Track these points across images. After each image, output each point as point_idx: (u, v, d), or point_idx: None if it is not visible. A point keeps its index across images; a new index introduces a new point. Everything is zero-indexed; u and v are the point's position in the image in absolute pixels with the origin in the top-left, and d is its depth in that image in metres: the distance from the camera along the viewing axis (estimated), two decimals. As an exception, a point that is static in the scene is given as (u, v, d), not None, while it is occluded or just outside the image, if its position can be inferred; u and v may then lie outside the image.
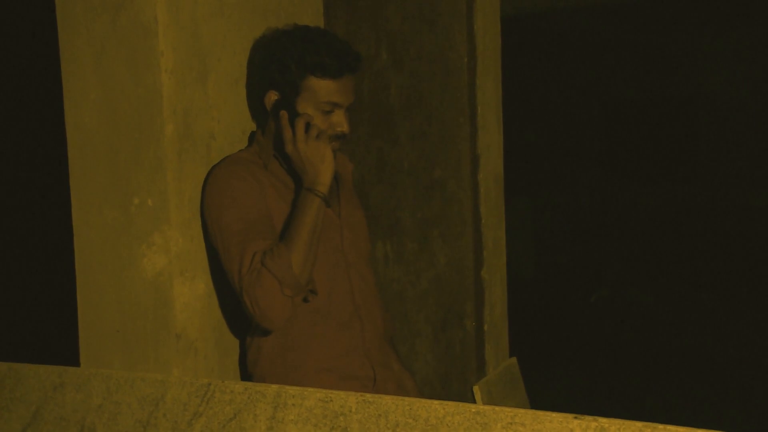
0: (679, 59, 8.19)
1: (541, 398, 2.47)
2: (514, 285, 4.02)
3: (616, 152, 8.76)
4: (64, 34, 1.77)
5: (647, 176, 8.54)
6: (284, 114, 1.69)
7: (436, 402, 1.19)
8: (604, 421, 1.07)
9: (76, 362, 1.80)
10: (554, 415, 1.12)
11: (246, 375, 1.79)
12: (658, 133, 8.50)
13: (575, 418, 1.10)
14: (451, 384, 2.18)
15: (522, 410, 1.15)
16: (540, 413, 1.13)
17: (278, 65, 1.68)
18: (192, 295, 1.73)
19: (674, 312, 6.31)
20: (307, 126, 1.67)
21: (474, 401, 2.09)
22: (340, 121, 1.69)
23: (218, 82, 1.81)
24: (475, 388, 2.11)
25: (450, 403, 1.18)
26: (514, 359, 2.35)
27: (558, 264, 8.20)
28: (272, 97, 1.71)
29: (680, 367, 4.89)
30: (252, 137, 1.87)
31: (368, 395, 1.23)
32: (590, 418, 1.09)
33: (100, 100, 1.72)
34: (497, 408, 1.16)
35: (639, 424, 1.05)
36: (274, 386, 1.31)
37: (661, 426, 1.03)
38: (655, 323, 6.02)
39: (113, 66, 1.70)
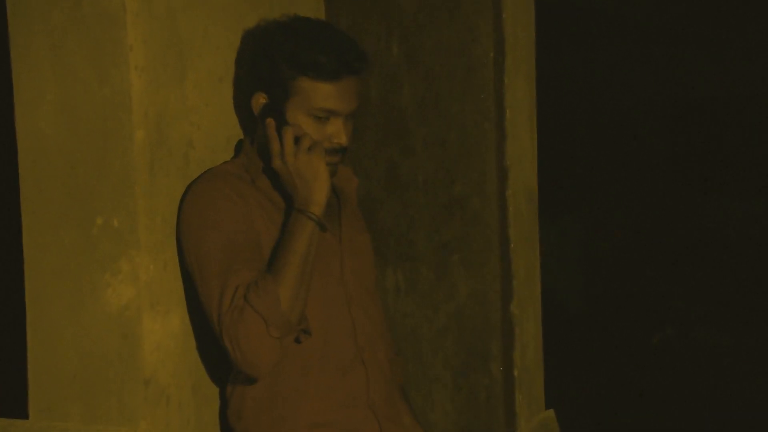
0: (760, 48, 8.17)
1: (585, 460, 2.48)
2: (555, 321, 4.01)
3: (683, 160, 8.73)
4: (15, 23, 1.80)
5: (722, 189, 8.50)
6: (271, 122, 1.72)
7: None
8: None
9: (24, 414, 1.83)
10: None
11: (227, 430, 1.83)
12: (735, 136, 8.47)
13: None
14: (475, 441, 2.21)
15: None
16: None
17: (268, 62, 1.72)
18: (164, 332, 1.76)
19: (758, 357, 6.25)
20: (298, 137, 1.70)
21: (502, 462, 2.12)
22: (336, 131, 1.71)
23: (198, 81, 1.85)
24: (503, 447, 2.14)
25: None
26: (551, 412, 2.37)
27: (611, 296, 8.16)
28: (260, 99, 1.74)
29: (763, 424, 4.85)
30: (239, 146, 1.91)
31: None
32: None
33: (58, 101, 1.76)
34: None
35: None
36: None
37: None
38: (734, 370, 5.96)
39: (73, 62, 1.74)
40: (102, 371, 1.74)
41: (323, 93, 1.69)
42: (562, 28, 7.67)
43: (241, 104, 1.92)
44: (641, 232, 8.71)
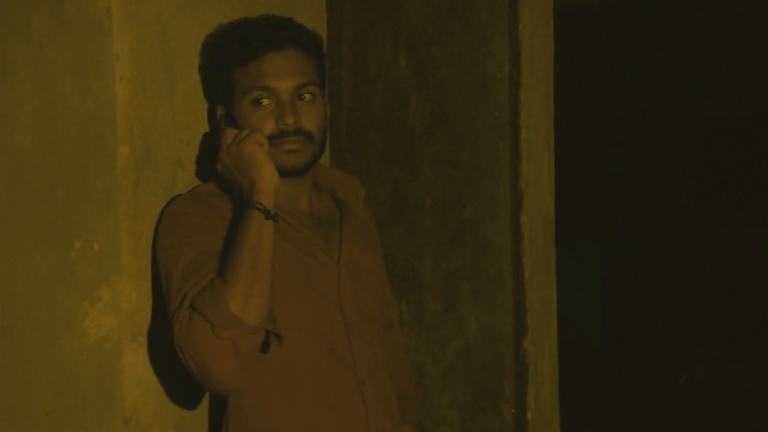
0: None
1: None
2: (571, 359, 4.00)
3: (712, 183, 8.74)
4: (-7, 29, 1.82)
5: (754, 215, 8.50)
6: (221, 129, 1.75)
7: None
8: None
9: (-7, 454, 1.82)
10: None
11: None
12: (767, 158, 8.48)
13: None
14: (484, 490, 2.20)
15: None
16: None
17: (209, 70, 1.81)
18: (147, 366, 1.76)
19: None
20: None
21: None
22: (281, 111, 1.72)
23: (188, 93, 1.85)
24: (515, 497, 2.12)
25: None
26: (567, 459, 2.37)
27: (634, 332, 8.14)
28: (219, 111, 1.79)
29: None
30: None
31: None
32: None
33: (37, 113, 1.76)
34: None
35: None
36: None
37: None
38: None
39: (54, 71, 1.74)
40: (78, 408, 1.74)
41: (251, 74, 1.73)
42: (582, 41, 7.68)
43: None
44: (667, 262, 8.69)
